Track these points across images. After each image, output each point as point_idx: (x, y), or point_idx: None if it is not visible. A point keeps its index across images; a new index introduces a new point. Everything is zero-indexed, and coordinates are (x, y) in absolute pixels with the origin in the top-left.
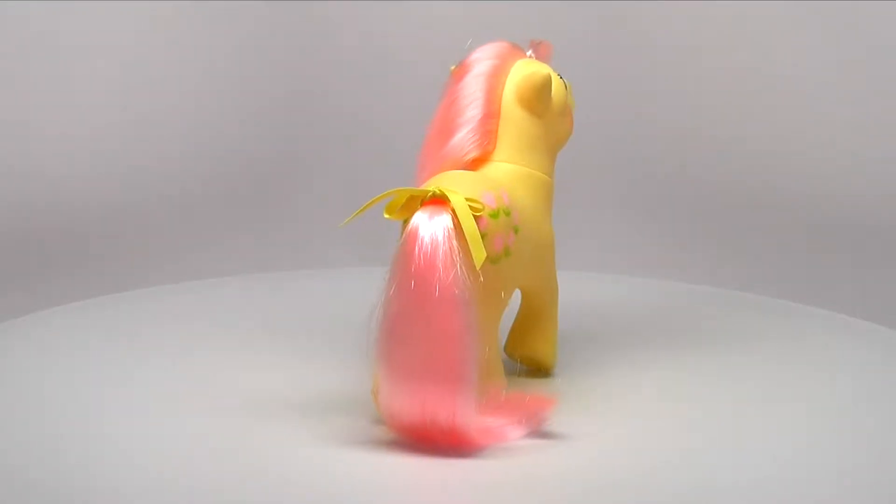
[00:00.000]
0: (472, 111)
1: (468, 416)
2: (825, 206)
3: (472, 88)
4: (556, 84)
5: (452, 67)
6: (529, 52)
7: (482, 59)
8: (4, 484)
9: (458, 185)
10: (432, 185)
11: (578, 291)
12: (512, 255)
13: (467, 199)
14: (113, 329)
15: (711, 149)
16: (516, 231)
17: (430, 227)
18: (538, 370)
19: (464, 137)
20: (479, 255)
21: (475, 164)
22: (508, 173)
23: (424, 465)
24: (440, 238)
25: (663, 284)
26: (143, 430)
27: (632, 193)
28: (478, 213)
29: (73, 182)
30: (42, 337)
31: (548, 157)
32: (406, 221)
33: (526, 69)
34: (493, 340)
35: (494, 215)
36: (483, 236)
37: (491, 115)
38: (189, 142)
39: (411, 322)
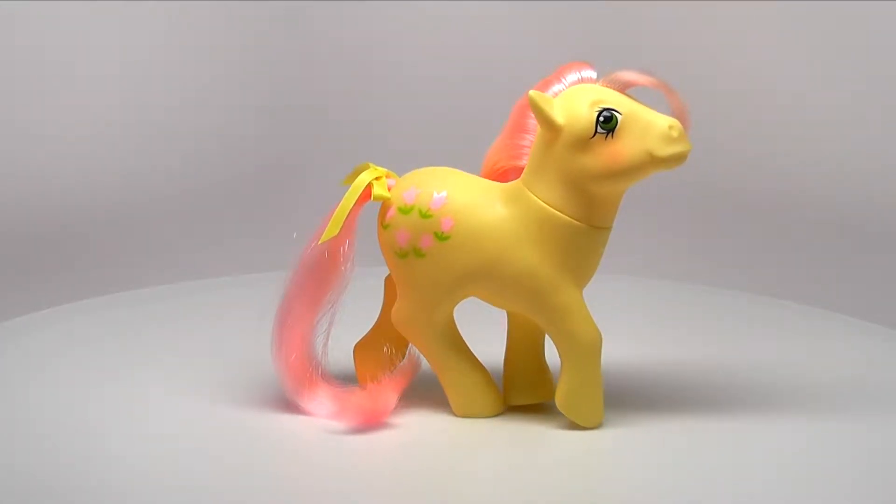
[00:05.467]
0: (527, 121)
1: (283, 380)
2: (826, 206)
3: None
4: (575, 114)
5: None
6: (610, 79)
7: (561, 82)
8: (4, 482)
9: (407, 177)
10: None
11: None
12: (427, 259)
13: (375, 181)
14: (113, 329)
15: (711, 151)
16: (440, 238)
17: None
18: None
19: (503, 143)
20: (329, 231)
21: (507, 176)
22: (503, 189)
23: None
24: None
25: (663, 284)
26: (143, 430)
27: (632, 194)
28: (380, 198)
29: (74, 183)
30: (42, 337)
31: (561, 187)
32: None
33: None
34: (418, 332)
35: (404, 211)
36: (387, 227)
37: (528, 132)
38: (189, 143)
39: (289, 278)
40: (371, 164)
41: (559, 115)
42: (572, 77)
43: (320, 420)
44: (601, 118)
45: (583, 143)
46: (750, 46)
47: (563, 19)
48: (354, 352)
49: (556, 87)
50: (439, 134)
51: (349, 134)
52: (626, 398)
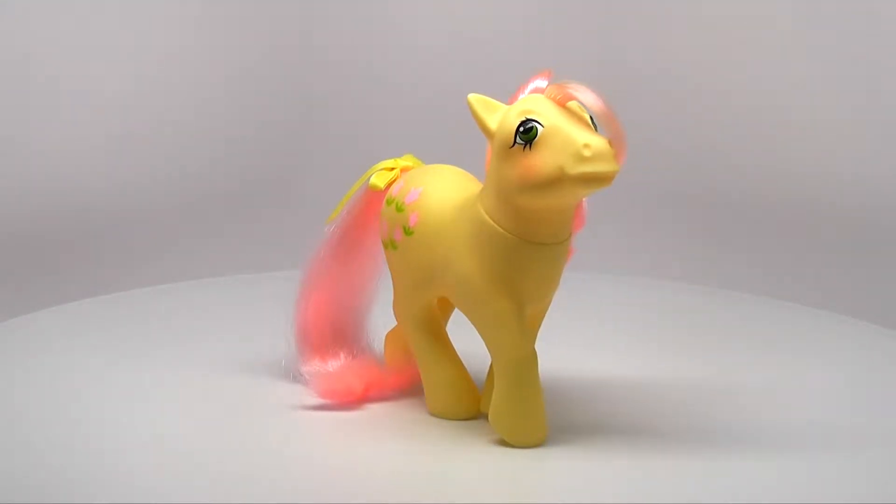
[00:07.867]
0: None
1: (296, 354)
2: (825, 207)
3: None
4: (504, 122)
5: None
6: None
7: (525, 91)
8: (4, 482)
9: (414, 171)
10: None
11: (579, 291)
12: (398, 251)
13: (382, 171)
14: (113, 329)
15: (711, 152)
16: (406, 232)
17: None
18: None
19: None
20: (332, 215)
21: None
22: (472, 193)
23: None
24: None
25: (663, 284)
26: (142, 430)
27: (632, 195)
28: (373, 187)
29: (74, 183)
30: (42, 337)
31: (495, 197)
32: None
33: None
34: (403, 322)
35: (388, 202)
36: (381, 216)
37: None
38: (189, 144)
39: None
40: (410, 155)
41: (495, 121)
42: (532, 86)
43: (302, 404)
44: (521, 128)
45: (505, 151)
46: (750, 47)
47: (569, 18)
48: (385, 340)
49: (521, 97)
50: (442, 134)
51: (350, 134)
52: (626, 397)
